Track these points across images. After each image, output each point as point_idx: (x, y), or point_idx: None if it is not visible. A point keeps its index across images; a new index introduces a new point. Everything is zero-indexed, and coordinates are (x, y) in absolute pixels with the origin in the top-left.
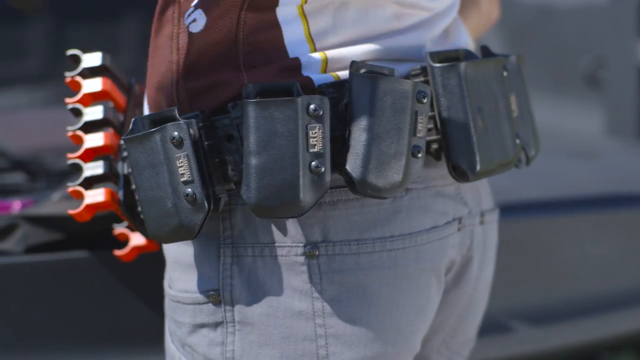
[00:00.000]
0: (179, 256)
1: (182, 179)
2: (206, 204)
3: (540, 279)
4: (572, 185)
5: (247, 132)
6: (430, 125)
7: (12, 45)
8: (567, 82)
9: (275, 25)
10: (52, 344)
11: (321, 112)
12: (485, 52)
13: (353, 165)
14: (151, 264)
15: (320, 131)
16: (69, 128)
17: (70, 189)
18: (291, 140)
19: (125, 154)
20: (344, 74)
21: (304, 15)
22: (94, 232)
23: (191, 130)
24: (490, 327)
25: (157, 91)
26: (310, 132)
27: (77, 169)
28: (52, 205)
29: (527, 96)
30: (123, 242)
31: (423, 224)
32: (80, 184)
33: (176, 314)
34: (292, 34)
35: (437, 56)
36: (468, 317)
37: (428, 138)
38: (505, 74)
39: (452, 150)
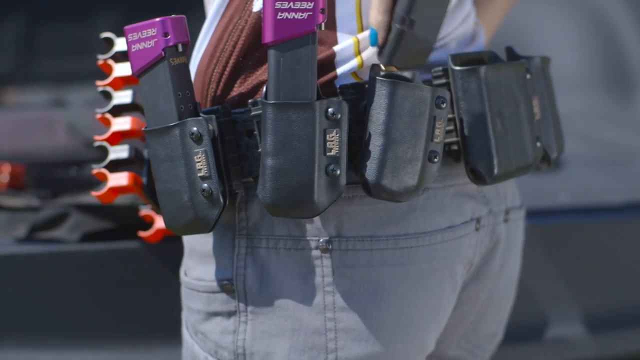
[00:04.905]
0: (195, 245)
1: (200, 174)
2: (222, 200)
3: (610, 283)
4: None
5: (265, 132)
6: (451, 127)
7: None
8: None
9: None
10: (103, 332)
11: (339, 116)
12: (510, 53)
13: (369, 169)
14: None
15: (338, 135)
16: (98, 110)
17: (95, 171)
18: (308, 144)
19: None
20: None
21: None
22: (145, 221)
23: (210, 126)
24: (560, 330)
25: (197, 75)
26: (328, 135)
27: (103, 151)
28: None
29: (551, 97)
30: (148, 223)
31: (438, 224)
32: (106, 167)
33: (190, 302)
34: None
35: (459, 58)
36: (488, 312)
37: (448, 140)
38: (528, 76)
39: (471, 154)
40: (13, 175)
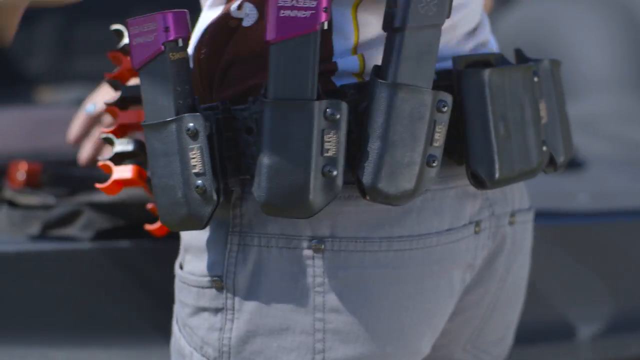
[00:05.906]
0: (190, 239)
1: (194, 171)
2: (215, 197)
3: (627, 285)
4: None
5: (262, 130)
6: (453, 130)
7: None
8: None
9: None
10: (115, 330)
11: (338, 117)
12: (519, 55)
13: (365, 172)
14: None
15: (335, 136)
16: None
17: (100, 163)
18: (306, 144)
19: None
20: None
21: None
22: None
23: (207, 122)
24: (576, 332)
25: (194, 69)
26: (326, 136)
27: (109, 143)
28: None
29: (560, 100)
30: (156, 217)
31: (434, 226)
32: (111, 159)
33: (181, 295)
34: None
35: (464, 60)
36: (495, 317)
37: (450, 142)
38: (535, 79)
39: (472, 158)
40: (29, 173)
